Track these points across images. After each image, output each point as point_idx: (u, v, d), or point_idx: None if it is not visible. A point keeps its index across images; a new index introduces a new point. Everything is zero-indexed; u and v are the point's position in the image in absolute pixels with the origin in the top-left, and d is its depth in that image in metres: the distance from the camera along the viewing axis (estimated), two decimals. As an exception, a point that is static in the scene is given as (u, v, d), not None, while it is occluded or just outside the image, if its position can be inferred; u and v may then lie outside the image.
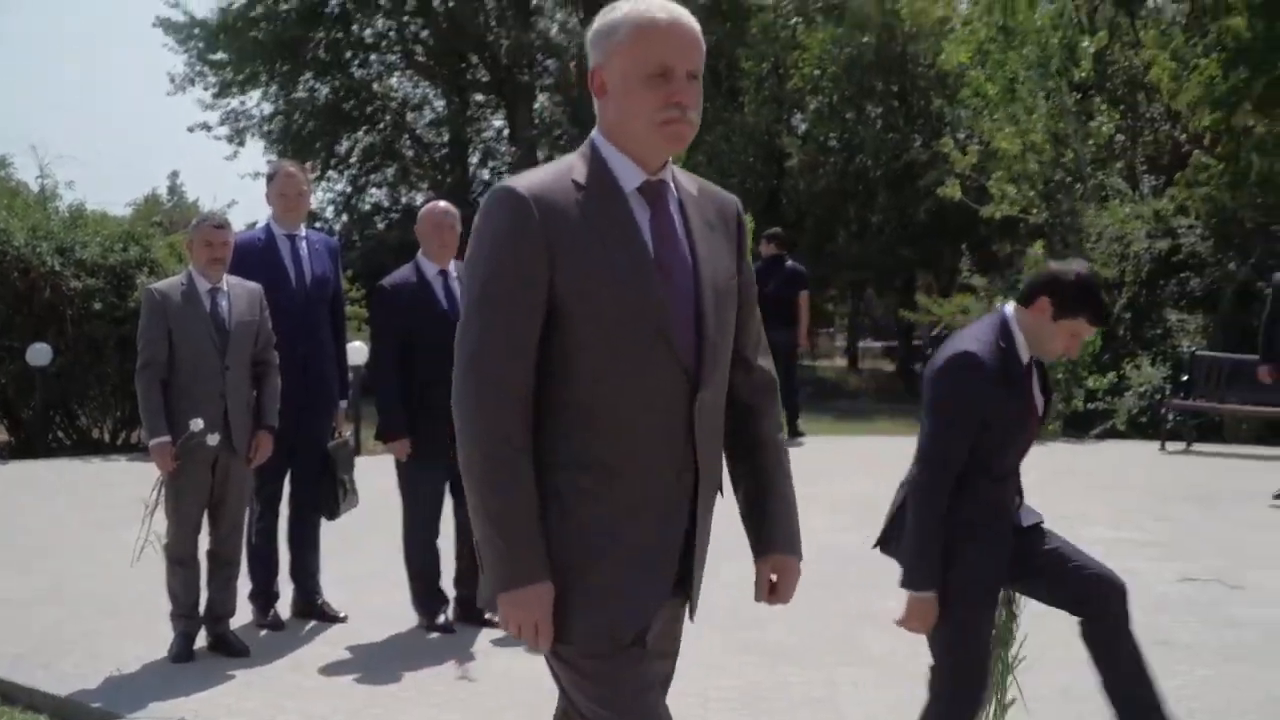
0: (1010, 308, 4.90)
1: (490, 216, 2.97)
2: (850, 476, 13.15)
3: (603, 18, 3.06)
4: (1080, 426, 17.55)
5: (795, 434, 16.13)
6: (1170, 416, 16.20)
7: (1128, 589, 4.98)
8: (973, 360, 4.76)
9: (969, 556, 4.78)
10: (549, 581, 2.94)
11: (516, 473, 2.92)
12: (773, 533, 3.35)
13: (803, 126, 28.05)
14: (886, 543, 5.04)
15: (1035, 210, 20.29)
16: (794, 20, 27.10)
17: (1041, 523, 5.13)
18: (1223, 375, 15.91)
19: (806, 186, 27.45)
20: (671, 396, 3.00)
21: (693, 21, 3.05)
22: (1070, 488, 12.65)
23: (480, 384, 2.94)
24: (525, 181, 2.98)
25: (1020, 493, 5.11)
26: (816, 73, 25.93)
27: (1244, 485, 12.55)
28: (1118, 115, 20.81)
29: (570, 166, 3.04)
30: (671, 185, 3.13)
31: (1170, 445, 15.79)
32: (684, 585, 3.18)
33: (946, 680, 4.93)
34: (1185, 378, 16.28)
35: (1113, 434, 17.16)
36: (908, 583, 4.79)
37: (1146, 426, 17.31)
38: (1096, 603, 4.98)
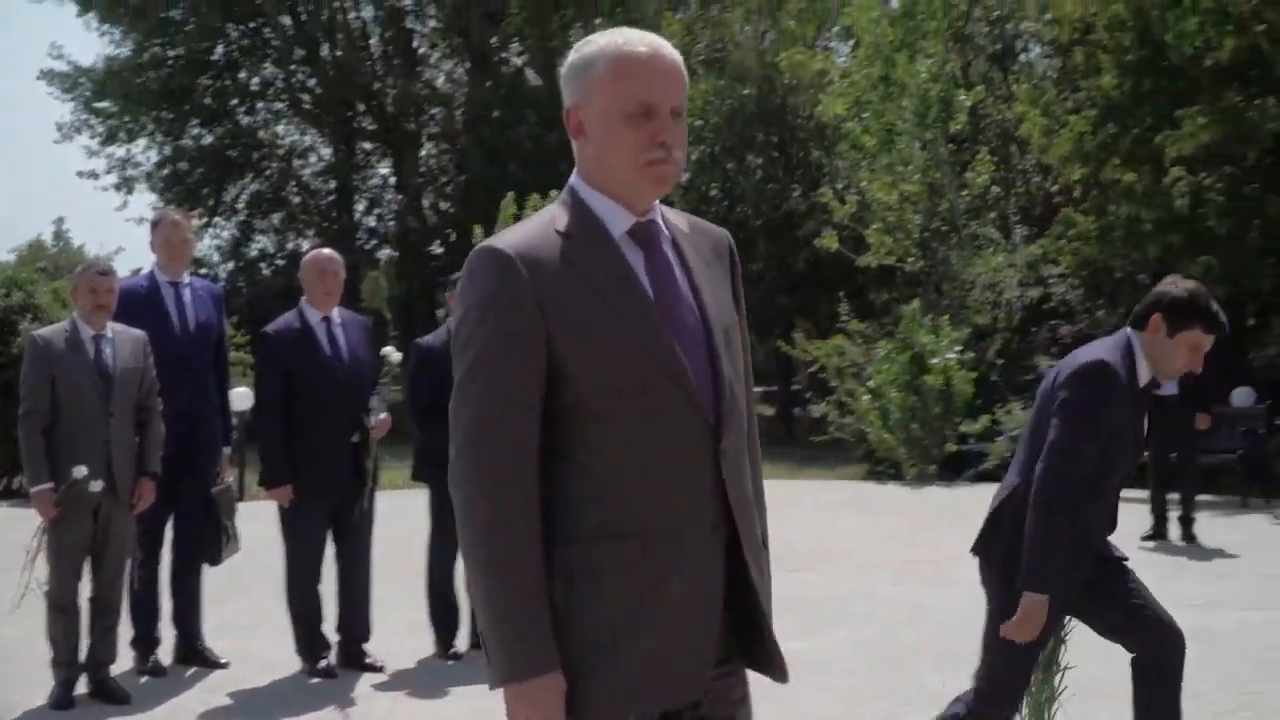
0: (1129, 331, 4.94)
1: (474, 280, 2.71)
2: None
3: (577, 52, 2.82)
4: (955, 469, 17.90)
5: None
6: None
7: (1186, 644, 5.06)
8: (1109, 371, 4.81)
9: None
10: (559, 672, 2.64)
11: (524, 555, 2.63)
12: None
13: (684, 176, 28.48)
14: (985, 550, 5.08)
15: (911, 259, 20.72)
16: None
17: (1126, 560, 5.18)
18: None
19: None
20: (694, 448, 2.72)
21: (675, 54, 2.82)
22: (947, 527, 12.88)
23: (481, 461, 2.66)
24: (507, 239, 2.73)
25: (1114, 521, 5.12)
26: (699, 123, 26.26)
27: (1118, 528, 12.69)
28: (992, 167, 21.30)
29: (552, 217, 2.80)
30: (662, 225, 2.88)
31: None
32: (734, 651, 2.90)
33: (988, 682, 5.06)
34: (1055, 421, 16.52)
35: (986, 476, 17.47)
36: (1028, 584, 4.76)
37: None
38: (1155, 646, 5.04)
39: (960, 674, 7.22)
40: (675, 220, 2.94)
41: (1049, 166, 20.41)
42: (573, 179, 2.85)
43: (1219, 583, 10.48)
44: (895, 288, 21.72)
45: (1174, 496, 12.47)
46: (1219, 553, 11.85)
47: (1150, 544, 12.19)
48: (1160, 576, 10.36)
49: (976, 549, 5.10)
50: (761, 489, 3.16)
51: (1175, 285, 4.88)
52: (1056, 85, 21.16)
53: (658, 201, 2.89)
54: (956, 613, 9.02)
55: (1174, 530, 12.42)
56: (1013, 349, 19.95)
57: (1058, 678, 5.40)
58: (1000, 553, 4.95)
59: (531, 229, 2.77)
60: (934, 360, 17.74)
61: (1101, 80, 18.99)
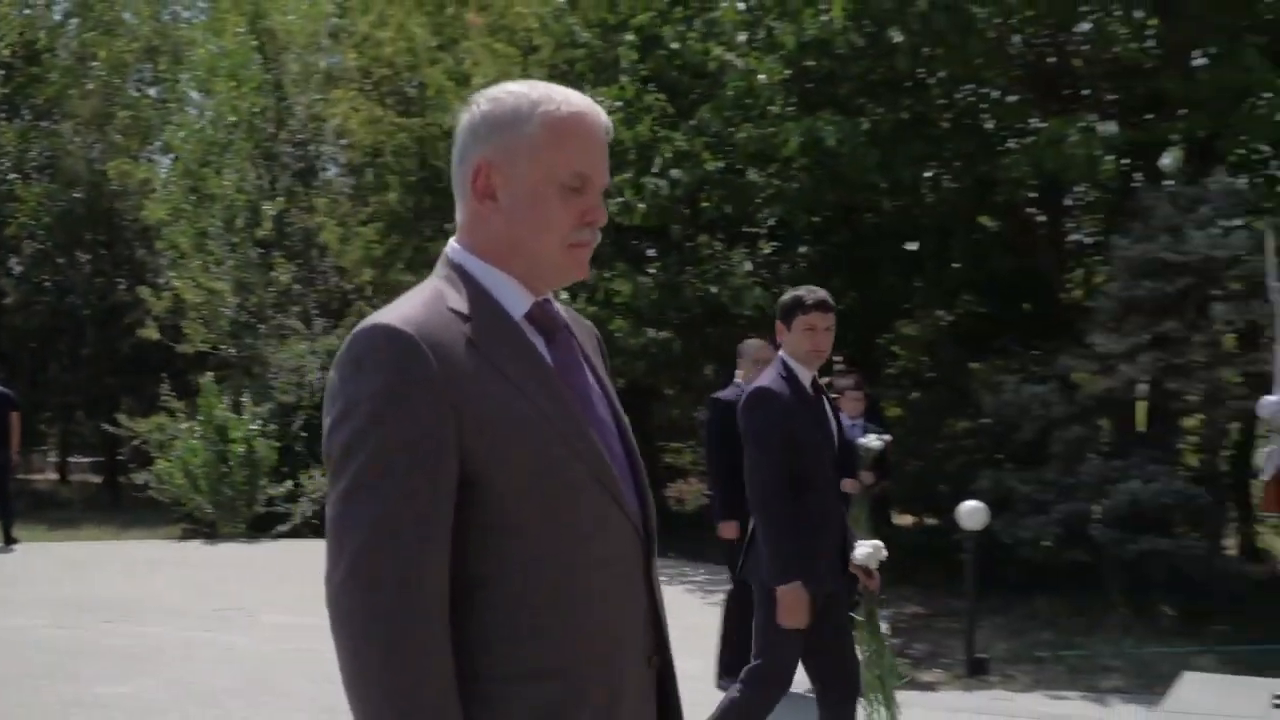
0: (780, 352, 5.34)
1: (364, 367, 2.01)
2: (59, 579, 13.35)
3: (498, 102, 2.17)
4: (261, 528, 18.33)
5: (10, 541, 16.26)
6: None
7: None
8: (766, 393, 5.23)
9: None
10: None
11: (445, 711, 1.95)
12: None
13: (19, 269, 27.63)
14: (746, 553, 5.39)
15: (224, 346, 21.29)
16: (11, 175, 26.64)
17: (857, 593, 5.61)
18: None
19: (23, 322, 27.04)
20: (626, 564, 2.16)
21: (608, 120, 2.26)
22: (251, 581, 13.40)
23: (375, 602, 1.93)
24: (399, 315, 2.04)
25: (839, 508, 5.47)
26: (32, 222, 25.77)
27: None
28: (295, 267, 22.14)
29: (439, 294, 2.11)
30: (556, 308, 2.27)
31: None
32: None
33: (759, 672, 5.25)
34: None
35: (292, 534, 18.08)
36: (774, 580, 5.03)
37: (320, 527, 18.14)
38: (840, 689, 5.36)
39: (267, 706, 7.89)
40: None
41: (345, 268, 21.38)
42: (455, 249, 2.22)
43: None
44: (213, 371, 22.11)
45: None
46: None
47: None
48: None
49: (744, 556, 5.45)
50: None
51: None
52: (351, 200, 22.21)
53: None
54: (264, 654, 9.60)
55: None
56: (314, 423, 20.70)
57: (888, 654, 5.76)
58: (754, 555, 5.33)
59: (420, 308, 2.07)
60: (237, 432, 18.23)
61: (388, 196, 19.95)
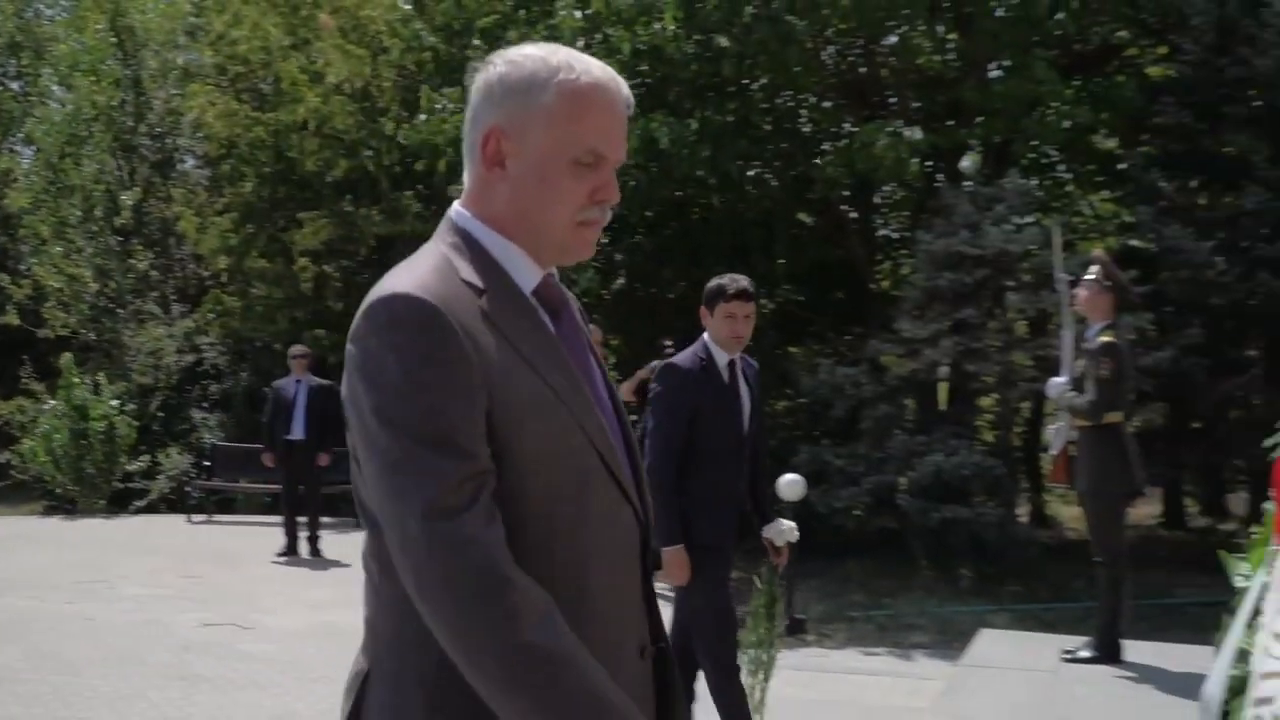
0: (704, 333, 5.38)
1: (397, 336, 1.75)
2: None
3: (512, 65, 1.91)
4: (119, 503, 17.88)
5: None
6: (195, 494, 16.92)
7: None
8: (675, 369, 5.34)
9: (700, 524, 5.18)
10: None
11: (548, 613, 1.71)
12: None
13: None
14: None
15: (84, 330, 20.66)
16: None
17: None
18: (237, 460, 16.93)
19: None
20: (628, 553, 1.95)
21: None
22: (111, 554, 12.97)
23: (456, 555, 1.68)
24: (419, 286, 1.78)
25: (739, 477, 5.42)
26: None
27: (256, 547, 13.21)
28: (152, 255, 21.60)
29: (448, 264, 1.86)
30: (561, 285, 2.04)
31: (196, 517, 16.32)
32: None
33: (707, 623, 5.26)
34: (208, 463, 17.15)
35: (148, 510, 17.64)
36: (660, 541, 4.97)
37: (176, 503, 17.87)
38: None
39: (126, 674, 7.65)
40: None
41: (201, 256, 20.89)
42: (460, 214, 1.95)
43: (343, 587, 10.76)
44: (75, 354, 21.49)
45: (303, 519, 12.87)
46: (338, 563, 12.36)
47: (284, 559, 12.64)
48: (298, 585, 11.27)
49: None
50: None
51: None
52: (207, 190, 21.73)
53: None
54: (123, 625, 9.31)
55: (304, 547, 12.80)
56: (172, 404, 20.26)
57: (776, 626, 5.77)
58: None
59: (434, 277, 1.82)
60: (97, 412, 17.71)
61: (244, 187, 19.62)
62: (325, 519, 13.60)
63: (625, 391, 11.14)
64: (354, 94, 17.99)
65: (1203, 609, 10.72)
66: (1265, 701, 1.77)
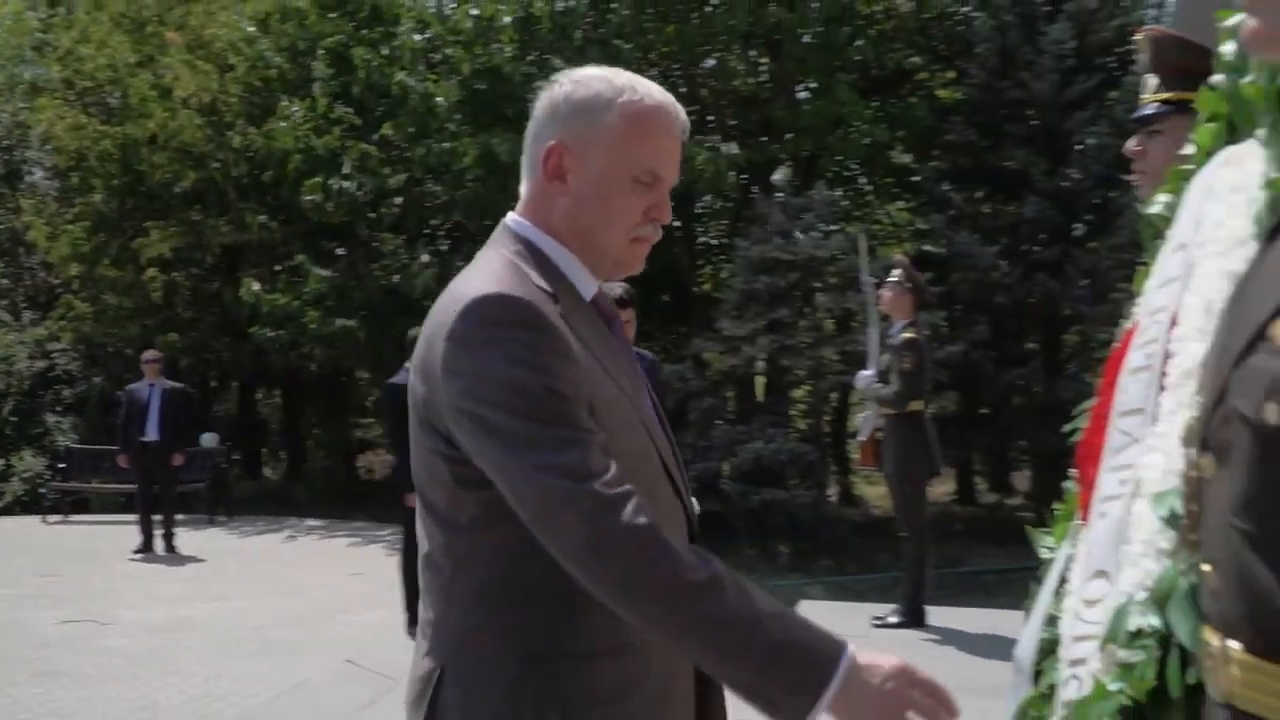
0: None
1: (504, 333, 1.69)
2: None
3: (583, 84, 1.88)
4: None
5: None
6: (50, 495, 16.24)
7: None
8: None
9: None
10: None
11: (719, 574, 1.65)
12: None
13: None
14: None
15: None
16: None
17: None
18: (91, 462, 16.25)
19: None
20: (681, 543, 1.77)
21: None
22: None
23: (614, 511, 1.61)
24: (510, 288, 1.74)
25: None
26: None
27: (112, 545, 12.74)
28: (2, 264, 20.67)
29: (519, 270, 1.80)
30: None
31: (51, 517, 15.70)
32: None
33: None
34: (63, 465, 16.44)
35: (3, 512, 16.90)
36: None
37: (31, 504, 17.14)
38: None
39: None
40: None
41: (52, 264, 20.05)
42: (519, 223, 1.91)
43: (199, 582, 10.86)
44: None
45: (159, 518, 12.53)
46: (194, 559, 12.16)
47: (140, 556, 12.23)
48: (155, 581, 10.87)
49: None
50: None
51: None
52: (57, 201, 20.85)
53: None
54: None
55: (159, 544, 12.44)
56: (24, 408, 19.41)
57: None
58: None
59: (509, 280, 1.77)
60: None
61: (94, 198, 18.93)
62: (179, 516, 13.27)
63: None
64: (201, 109, 17.46)
65: (994, 576, 11.08)
66: (1079, 662, 1.83)
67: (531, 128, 1.91)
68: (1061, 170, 13.68)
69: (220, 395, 23.11)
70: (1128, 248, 12.92)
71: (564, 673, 1.74)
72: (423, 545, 1.84)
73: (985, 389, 13.71)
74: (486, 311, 1.70)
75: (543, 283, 1.78)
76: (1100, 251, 13.23)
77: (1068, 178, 13.58)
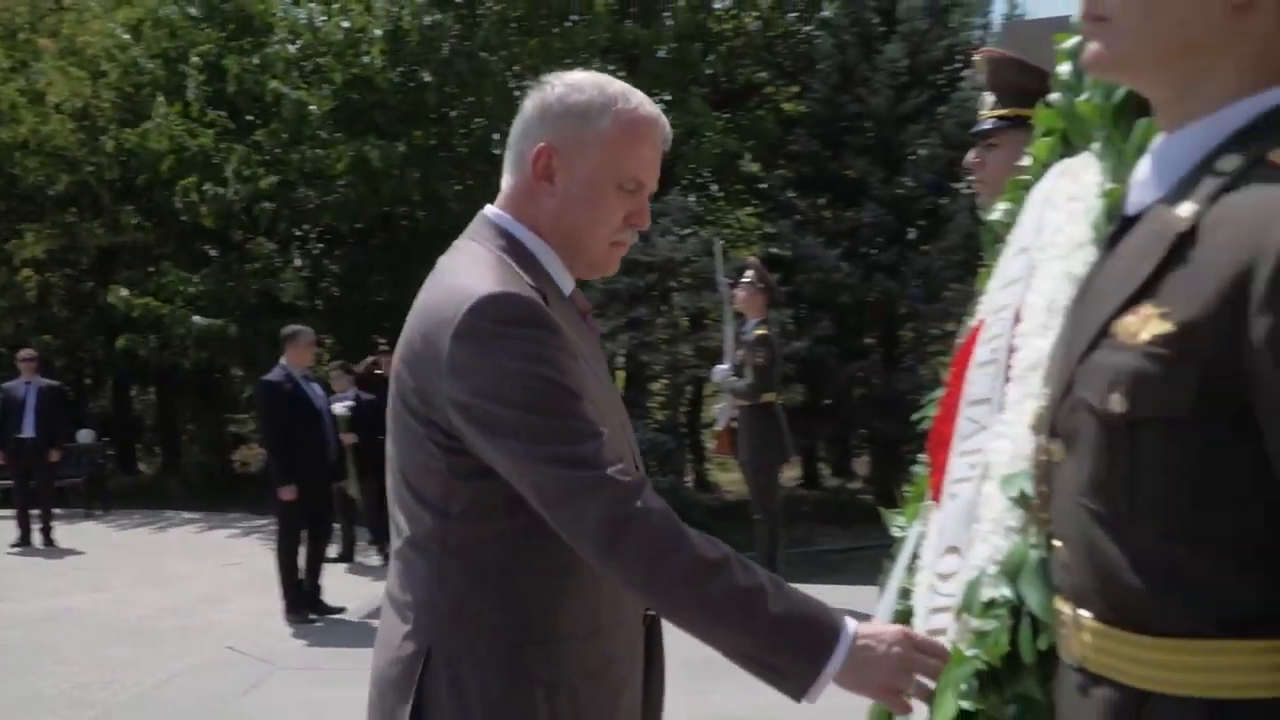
0: None
1: (512, 326, 1.66)
2: None
3: (576, 88, 1.83)
4: None
5: None
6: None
7: None
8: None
9: None
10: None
11: (727, 554, 1.68)
12: None
13: None
14: None
15: None
16: None
17: None
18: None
19: None
20: None
21: None
22: None
23: (645, 505, 1.62)
24: (515, 288, 1.70)
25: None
26: None
27: None
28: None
29: (509, 268, 1.76)
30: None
31: None
32: None
33: None
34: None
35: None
36: None
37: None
38: None
39: None
40: None
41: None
42: (502, 217, 1.86)
43: (79, 573, 10.47)
44: None
45: (36, 512, 12.21)
46: (72, 551, 11.79)
47: (19, 550, 11.85)
48: (36, 574, 10.47)
49: None
50: None
51: None
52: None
53: None
54: None
55: (37, 538, 12.13)
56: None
57: None
58: None
59: (503, 278, 1.73)
60: None
61: None
62: (57, 510, 12.90)
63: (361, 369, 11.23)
64: (74, 113, 16.85)
65: (839, 555, 11.31)
66: (939, 632, 1.87)
67: (519, 126, 1.87)
68: (896, 179, 14.02)
69: (95, 393, 22.38)
70: (958, 250, 13.32)
71: (550, 653, 1.73)
72: (404, 529, 1.79)
73: (828, 381, 13.96)
74: (497, 310, 1.66)
75: (533, 281, 1.75)
76: (932, 254, 13.57)
77: (902, 185, 13.92)
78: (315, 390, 8.38)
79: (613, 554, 1.62)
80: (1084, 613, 1.29)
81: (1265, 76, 1.23)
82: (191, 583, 9.90)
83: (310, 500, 8.05)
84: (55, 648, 7.50)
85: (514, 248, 1.80)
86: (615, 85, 1.85)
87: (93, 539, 12.76)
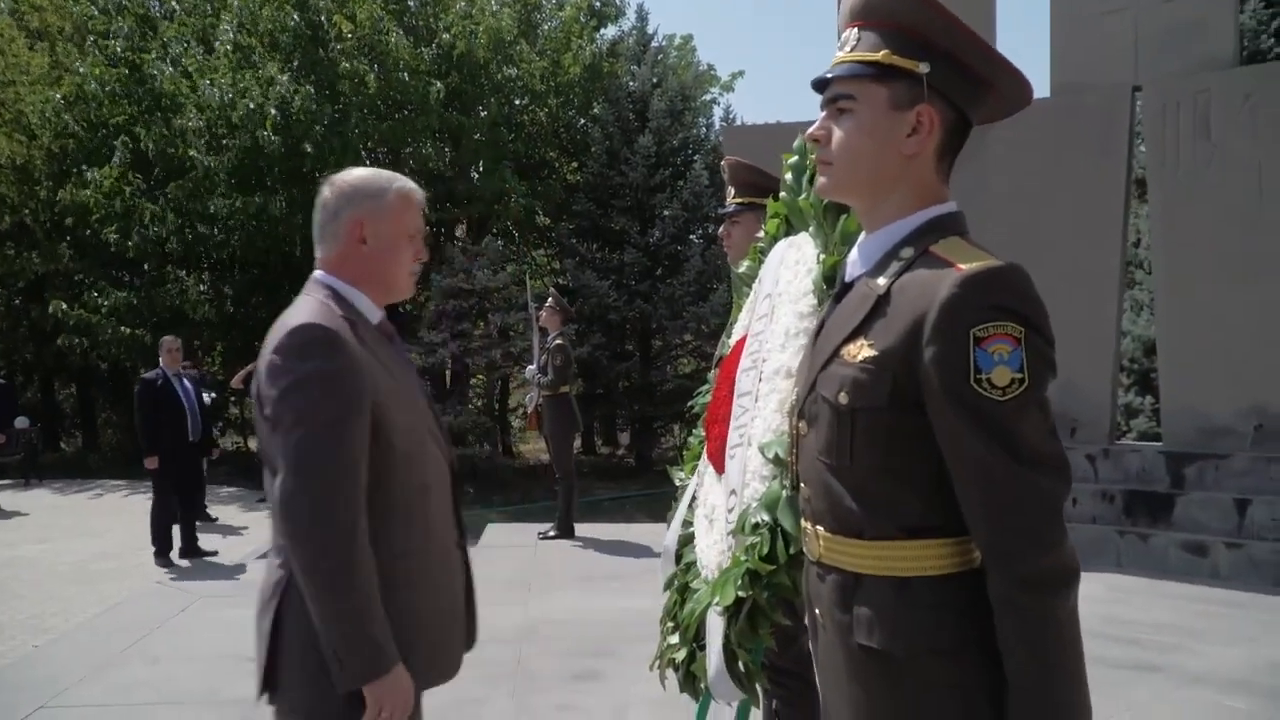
0: None
1: (310, 352, 1.76)
2: None
3: (364, 181, 1.95)
4: None
5: None
6: None
7: None
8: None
9: None
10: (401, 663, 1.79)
11: (368, 570, 1.75)
12: None
13: None
14: None
15: None
16: None
17: None
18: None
19: None
20: (445, 483, 1.99)
21: None
22: None
23: (338, 507, 1.72)
24: (322, 318, 1.81)
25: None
26: None
27: None
28: None
29: (327, 306, 1.87)
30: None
31: None
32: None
33: None
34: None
35: None
36: None
37: None
38: None
39: None
40: None
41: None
42: (323, 276, 1.95)
43: (21, 530, 9.87)
44: None
45: None
46: (17, 513, 10.96)
47: None
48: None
49: None
50: None
51: None
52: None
53: None
54: None
55: None
56: None
57: None
58: None
59: (322, 312, 1.84)
60: None
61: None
62: (2, 481, 12.29)
63: (236, 381, 10.59)
64: (14, 169, 15.48)
65: (610, 502, 11.55)
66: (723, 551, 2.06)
67: (325, 211, 1.95)
68: (649, 231, 14.35)
69: (26, 388, 20.48)
70: (692, 284, 13.77)
71: (390, 568, 1.82)
72: (271, 490, 1.84)
73: (601, 376, 14.17)
74: (304, 336, 1.77)
75: (346, 314, 1.85)
76: (674, 286, 13.97)
77: (653, 236, 14.27)
78: (185, 385, 7.88)
79: (304, 520, 1.74)
80: (820, 528, 1.48)
81: (924, 199, 1.47)
82: (119, 535, 9.31)
83: (177, 471, 7.64)
84: (10, 587, 7.05)
85: (331, 293, 1.90)
86: (385, 172, 1.99)
87: (34, 503, 11.93)
